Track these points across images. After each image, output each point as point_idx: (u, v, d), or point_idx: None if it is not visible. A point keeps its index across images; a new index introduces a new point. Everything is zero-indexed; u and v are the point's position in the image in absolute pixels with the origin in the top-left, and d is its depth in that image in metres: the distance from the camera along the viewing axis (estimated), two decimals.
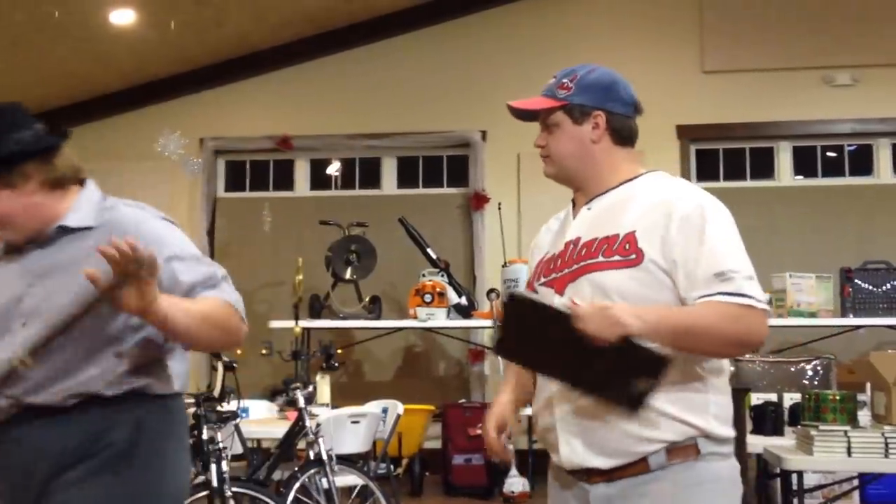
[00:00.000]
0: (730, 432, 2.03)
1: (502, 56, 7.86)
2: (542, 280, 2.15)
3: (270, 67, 8.05)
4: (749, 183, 7.82)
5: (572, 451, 2.01)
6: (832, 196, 7.72)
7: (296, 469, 4.46)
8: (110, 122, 8.17)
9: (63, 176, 2.18)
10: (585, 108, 2.13)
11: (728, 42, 7.74)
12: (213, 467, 3.99)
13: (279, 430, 4.82)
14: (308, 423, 4.50)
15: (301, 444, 4.66)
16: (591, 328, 1.84)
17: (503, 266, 6.86)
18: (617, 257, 2.00)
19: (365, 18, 7.84)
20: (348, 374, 7.82)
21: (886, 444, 3.61)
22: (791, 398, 4.35)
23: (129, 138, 8.01)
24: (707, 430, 1.97)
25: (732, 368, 4.46)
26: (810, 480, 4.69)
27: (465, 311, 6.78)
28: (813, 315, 6.39)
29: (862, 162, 7.79)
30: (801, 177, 7.88)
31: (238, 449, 4.81)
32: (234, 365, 4.57)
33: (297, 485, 4.37)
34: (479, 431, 7.16)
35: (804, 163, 7.85)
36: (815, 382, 4.68)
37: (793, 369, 4.76)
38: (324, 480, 4.39)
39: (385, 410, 5.28)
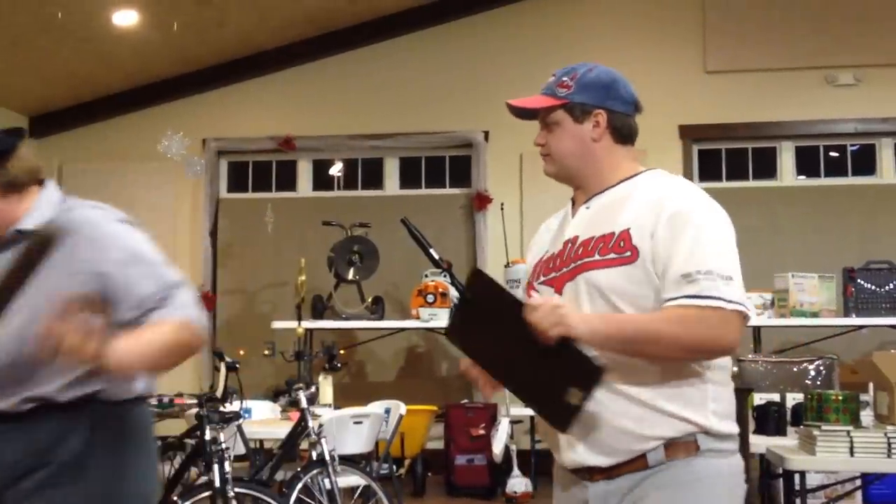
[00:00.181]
0: (731, 428, 2.01)
1: (504, 56, 7.86)
2: (542, 279, 2.15)
3: (273, 68, 8.06)
4: (751, 183, 7.81)
5: (573, 450, 2.01)
6: (835, 196, 7.71)
7: (298, 469, 4.47)
8: (113, 123, 8.18)
9: (16, 179, 2.09)
10: (586, 107, 2.12)
11: (731, 42, 7.74)
12: (216, 468, 3.99)
13: (282, 430, 4.82)
14: (311, 423, 4.50)
15: (304, 445, 4.67)
16: (536, 321, 1.86)
17: (506, 266, 6.87)
18: (612, 255, 2.00)
19: (367, 19, 7.84)
20: (351, 375, 7.82)
21: (889, 444, 3.60)
22: (794, 398, 4.35)
23: (132, 139, 8.02)
24: (705, 426, 1.95)
25: (735, 368, 4.47)
26: (813, 480, 4.69)
27: None
28: (815, 315, 6.38)
29: (864, 162, 7.78)
30: (803, 177, 7.87)
31: (241, 449, 4.82)
32: (237, 365, 4.58)
33: (300, 485, 4.37)
34: (481, 431, 7.16)
35: (807, 163, 7.84)
36: (818, 382, 4.67)
37: (795, 369, 4.76)
38: (326, 481, 4.40)
39: (387, 411, 5.28)
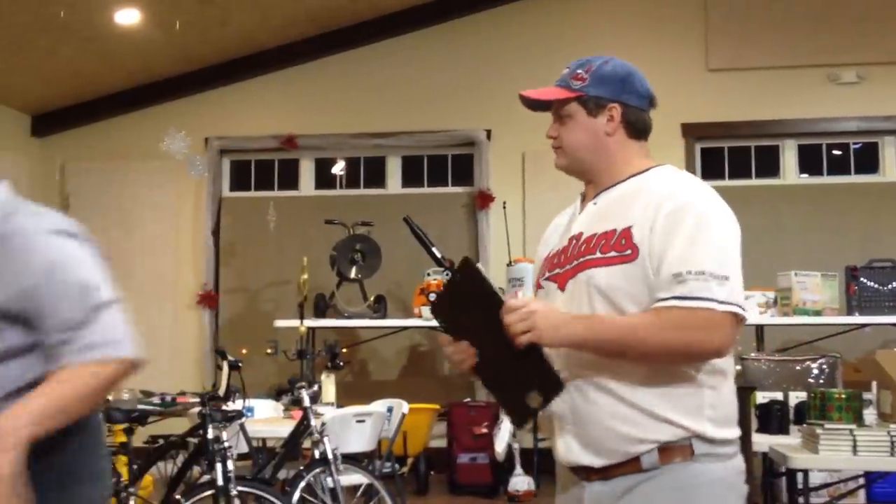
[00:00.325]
0: (728, 434, 1.96)
1: (506, 55, 7.86)
2: (547, 275, 2.14)
3: (275, 67, 8.06)
4: (754, 181, 7.81)
5: (568, 448, 2.01)
6: (837, 194, 7.70)
7: (301, 468, 4.47)
8: (116, 122, 8.19)
9: None
10: (601, 100, 2.09)
11: (733, 40, 7.73)
12: (219, 466, 3.99)
13: (284, 429, 4.82)
14: (313, 422, 4.50)
15: (306, 444, 4.67)
16: (509, 323, 1.86)
17: (508, 265, 6.86)
18: (613, 253, 1.97)
19: (369, 17, 7.84)
20: (353, 374, 7.83)
21: (892, 442, 3.60)
22: (797, 397, 4.34)
23: (135, 138, 8.03)
24: (699, 433, 1.92)
25: (738, 367, 4.47)
26: (816, 479, 4.68)
27: None
28: (818, 313, 6.37)
29: (867, 160, 7.77)
30: (806, 175, 7.86)
31: (244, 448, 4.82)
32: (240, 364, 4.58)
33: (303, 484, 4.38)
34: (484, 430, 7.16)
35: (809, 161, 7.83)
36: (821, 381, 4.67)
37: (798, 368, 4.75)
38: (329, 479, 4.40)
39: (390, 409, 5.28)
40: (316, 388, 4.85)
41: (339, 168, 8.28)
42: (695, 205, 1.95)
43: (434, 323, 7.05)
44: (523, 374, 1.91)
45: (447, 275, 2.09)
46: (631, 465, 1.93)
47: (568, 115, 2.11)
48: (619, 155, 2.10)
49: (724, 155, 7.88)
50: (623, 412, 1.92)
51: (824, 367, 4.75)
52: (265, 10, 7.30)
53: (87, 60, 7.45)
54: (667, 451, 1.92)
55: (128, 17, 6.88)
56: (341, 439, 4.66)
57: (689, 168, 7.58)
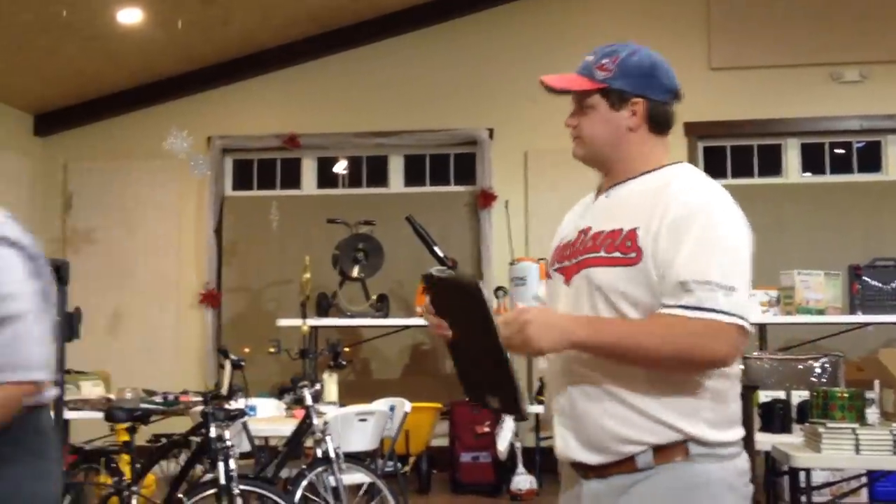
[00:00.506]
0: (726, 436, 1.93)
1: (509, 54, 7.85)
2: (556, 266, 2.12)
3: (277, 66, 8.06)
4: (757, 180, 7.80)
5: (566, 444, 2.01)
6: (840, 193, 7.70)
7: (303, 467, 4.47)
8: (118, 122, 8.19)
9: None
10: (625, 94, 2.03)
11: (735, 39, 7.73)
12: (221, 465, 3.99)
13: (287, 428, 4.82)
14: (315, 421, 4.50)
15: (309, 442, 4.67)
16: (505, 336, 1.85)
17: (511, 264, 6.86)
18: (617, 254, 1.94)
19: (371, 17, 7.84)
20: (356, 373, 7.83)
21: (895, 441, 3.60)
22: (799, 395, 4.34)
23: (137, 137, 8.03)
24: (694, 436, 1.89)
25: (741, 366, 4.46)
26: (818, 478, 4.68)
27: None
28: (821, 312, 6.37)
29: (870, 158, 7.77)
30: (808, 174, 7.86)
31: (246, 447, 4.82)
32: (242, 363, 4.59)
33: (305, 483, 4.38)
34: (486, 429, 7.15)
35: (812, 159, 7.83)
36: (824, 380, 4.66)
37: (801, 367, 4.75)
38: (331, 478, 4.40)
39: (392, 408, 5.28)
40: (318, 387, 4.85)
41: (341, 167, 8.28)
42: (705, 211, 1.91)
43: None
44: (493, 378, 1.93)
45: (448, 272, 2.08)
46: (626, 464, 1.92)
47: (590, 106, 2.06)
48: (638, 150, 2.05)
49: (727, 154, 7.87)
50: (618, 412, 1.91)
51: (827, 366, 4.75)
52: (267, 10, 7.30)
53: (89, 60, 7.45)
54: (662, 451, 1.90)
55: (130, 17, 6.88)
56: (343, 438, 4.66)
57: None
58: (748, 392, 3.81)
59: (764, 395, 4.39)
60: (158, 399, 5.39)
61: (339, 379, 5.62)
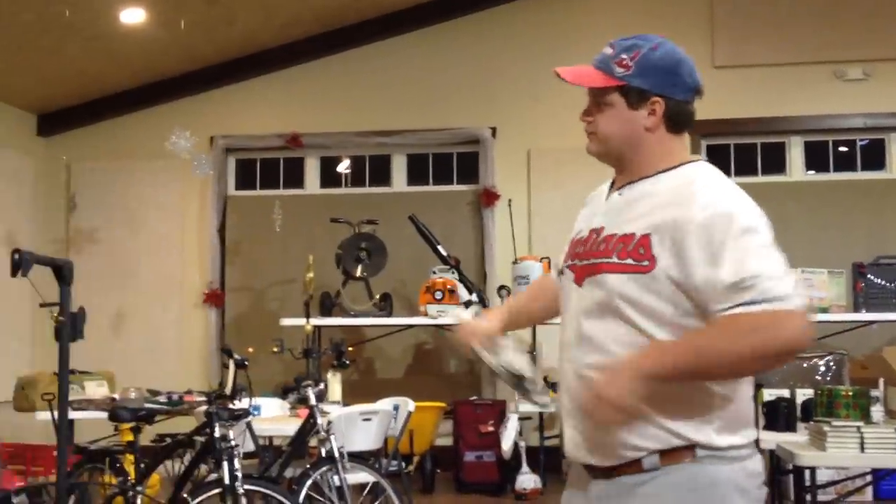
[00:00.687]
0: (736, 440, 1.90)
1: (511, 52, 7.85)
2: (568, 262, 2.08)
3: (280, 65, 8.06)
4: (760, 178, 7.79)
5: (575, 445, 2.01)
6: (844, 191, 7.69)
7: (308, 466, 4.47)
8: (121, 121, 8.20)
9: None
10: (644, 93, 1.95)
11: (739, 36, 7.72)
12: (226, 465, 3.99)
13: (291, 427, 4.82)
14: (319, 420, 4.50)
15: (313, 442, 4.67)
16: (598, 420, 1.84)
17: (514, 263, 6.86)
18: (630, 261, 1.89)
19: (374, 16, 7.84)
20: (359, 372, 7.83)
21: None
22: (804, 394, 4.34)
23: (140, 137, 8.03)
24: (702, 442, 1.87)
25: None
26: (823, 476, 4.67)
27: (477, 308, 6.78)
28: (825, 310, 6.36)
29: (874, 156, 7.76)
30: (812, 172, 7.84)
31: (250, 446, 4.82)
32: (246, 363, 4.58)
33: (309, 482, 4.38)
34: (490, 428, 7.14)
35: (816, 158, 7.81)
36: (828, 378, 4.66)
37: (805, 365, 4.75)
38: (335, 478, 4.40)
39: (396, 407, 5.27)
40: (322, 386, 4.85)
41: (344, 166, 8.27)
42: (734, 212, 1.86)
43: (439, 321, 7.04)
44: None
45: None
46: (633, 465, 1.91)
47: (606, 103, 1.98)
48: (655, 149, 1.98)
49: (730, 152, 7.86)
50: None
51: (831, 364, 4.74)
52: (270, 10, 7.30)
53: (92, 59, 7.46)
54: (669, 453, 1.88)
55: (133, 17, 6.88)
56: (347, 437, 4.65)
57: None
58: (753, 391, 3.80)
59: (768, 394, 4.39)
60: (163, 399, 5.39)
61: (342, 378, 5.62)
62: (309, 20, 7.64)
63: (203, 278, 7.99)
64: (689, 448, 1.87)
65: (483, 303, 6.85)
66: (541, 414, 6.69)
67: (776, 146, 7.84)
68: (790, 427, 4.26)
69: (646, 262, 1.87)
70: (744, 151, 7.85)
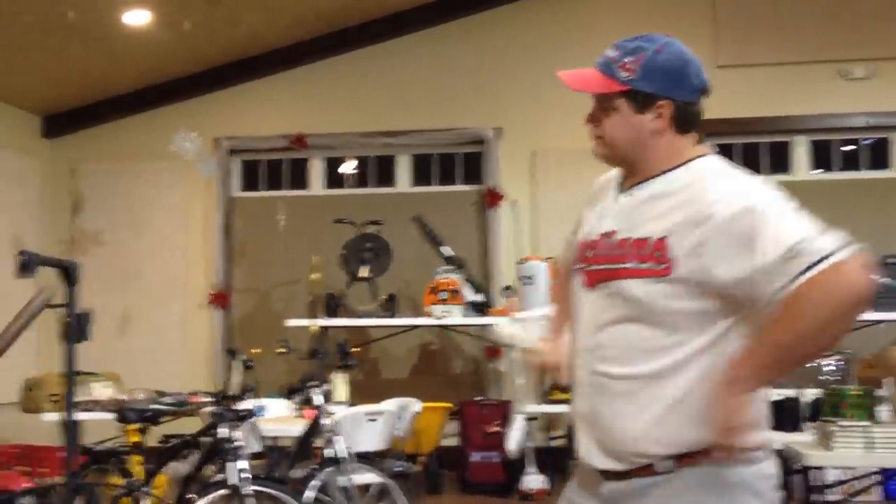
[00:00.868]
0: (753, 441, 1.85)
1: (515, 52, 7.85)
2: (578, 265, 2.06)
3: (284, 66, 8.06)
4: (765, 178, 7.77)
5: (588, 450, 2.00)
6: (848, 190, 7.68)
7: (314, 467, 4.47)
8: (125, 123, 8.20)
9: None
10: (650, 97, 1.92)
11: (742, 36, 7.71)
12: (232, 465, 3.99)
13: (297, 428, 4.83)
14: (325, 421, 4.50)
15: (319, 443, 4.67)
16: (727, 444, 1.79)
17: (519, 263, 6.85)
18: (648, 265, 1.86)
19: (378, 16, 7.84)
20: (364, 373, 7.83)
21: None
22: (810, 394, 4.33)
23: (144, 138, 8.04)
24: (715, 444, 1.84)
25: None
26: (830, 476, 4.67)
27: (481, 308, 6.78)
28: None
29: (878, 155, 7.74)
30: (817, 171, 7.83)
31: (256, 447, 4.82)
32: (251, 364, 4.59)
33: (316, 483, 4.38)
34: (496, 428, 7.12)
35: (820, 157, 7.80)
36: (838, 377, 4.65)
37: (811, 364, 4.74)
38: (342, 478, 4.40)
39: (402, 408, 5.28)
40: (327, 387, 4.85)
41: (350, 167, 8.27)
42: (752, 196, 1.85)
43: (444, 322, 7.02)
44: None
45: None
46: (647, 469, 1.90)
47: (612, 107, 1.95)
48: (663, 151, 1.96)
49: (735, 152, 7.85)
50: (640, 425, 1.88)
51: (837, 363, 4.74)
52: (274, 11, 7.30)
53: (96, 61, 7.47)
54: (683, 456, 1.87)
55: (137, 18, 6.89)
56: (353, 438, 4.66)
57: None
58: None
59: (775, 393, 4.38)
60: (169, 400, 5.40)
61: (347, 379, 5.62)
62: (313, 21, 7.64)
63: (208, 279, 7.99)
64: (705, 450, 1.85)
65: (488, 303, 6.86)
66: (548, 414, 6.69)
67: (780, 145, 7.83)
68: (796, 427, 4.26)
69: (664, 265, 1.85)
70: (748, 151, 7.84)
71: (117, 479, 4.60)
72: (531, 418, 6.62)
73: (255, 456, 4.77)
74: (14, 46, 6.89)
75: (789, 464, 4.29)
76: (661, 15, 7.77)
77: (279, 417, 5.30)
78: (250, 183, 8.30)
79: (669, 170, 1.96)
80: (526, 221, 7.58)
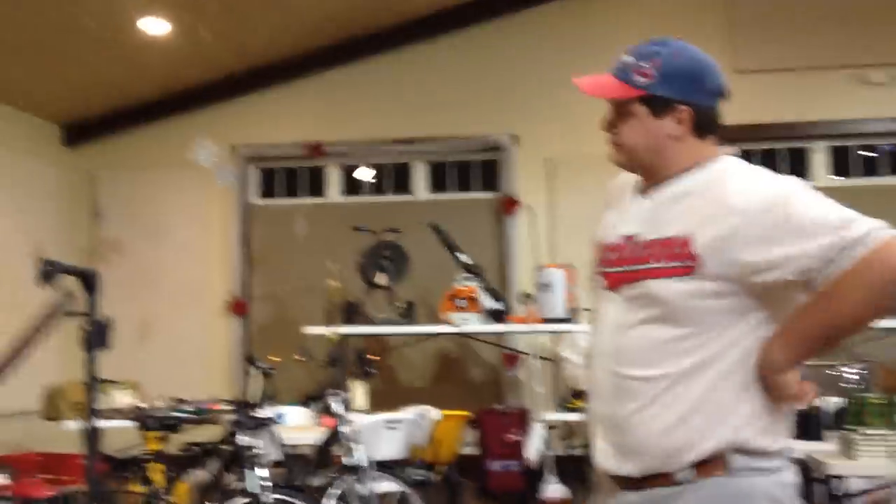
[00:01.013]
0: (774, 443, 1.87)
1: (531, 59, 7.84)
2: (600, 269, 2.05)
3: (301, 74, 8.08)
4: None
5: (604, 455, 1.99)
6: (868, 196, 7.62)
7: (333, 475, 4.47)
8: (143, 131, 8.24)
9: None
10: (668, 102, 1.92)
11: (760, 41, 7.68)
12: (252, 473, 4.01)
13: (316, 436, 4.83)
14: (345, 429, 4.50)
15: (338, 451, 4.67)
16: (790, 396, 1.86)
17: (536, 270, 6.84)
18: (674, 263, 1.86)
19: (394, 24, 7.85)
20: (383, 381, 7.82)
21: None
22: (833, 402, 4.30)
23: (163, 147, 8.08)
24: (736, 443, 1.84)
25: None
26: (854, 486, 4.63)
27: (499, 316, 6.77)
28: None
29: None
30: (837, 177, 7.79)
31: (276, 455, 4.83)
32: (271, 371, 4.60)
33: (335, 491, 4.38)
34: (515, 437, 7.09)
35: (839, 163, 7.76)
36: (857, 386, 4.62)
37: (833, 373, 4.71)
38: (361, 487, 4.40)
39: (421, 416, 5.27)
40: (346, 395, 4.85)
41: (368, 175, 8.28)
42: (778, 188, 1.86)
43: (463, 329, 7.01)
44: None
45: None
46: (665, 478, 1.88)
47: (629, 113, 1.94)
48: (682, 155, 1.95)
49: (753, 157, 7.82)
50: (660, 427, 1.87)
51: (859, 372, 4.70)
52: (290, 19, 7.33)
53: (115, 70, 7.51)
54: (703, 465, 1.85)
55: (155, 27, 6.93)
56: (373, 446, 4.66)
57: None
58: None
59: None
60: (189, 408, 5.41)
61: (367, 387, 5.62)
62: (330, 29, 7.66)
63: (227, 287, 8.02)
64: (723, 459, 1.84)
65: (507, 311, 6.84)
66: (567, 422, 6.66)
67: (798, 152, 7.79)
68: (818, 436, 4.23)
69: (690, 263, 1.84)
70: (766, 157, 7.80)
71: (138, 487, 4.61)
72: (550, 426, 6.60)
73: (274, 464, 4.78)
74: (33, 56, 6.94)
75: (811, 473, 4.26)
76: (678, 20, 7.75)
77: (299, 425, 5.31)
78: (267, 191, 8.32)
79: (689, 170, 1.96)
80: (543, 228, 7.56)
